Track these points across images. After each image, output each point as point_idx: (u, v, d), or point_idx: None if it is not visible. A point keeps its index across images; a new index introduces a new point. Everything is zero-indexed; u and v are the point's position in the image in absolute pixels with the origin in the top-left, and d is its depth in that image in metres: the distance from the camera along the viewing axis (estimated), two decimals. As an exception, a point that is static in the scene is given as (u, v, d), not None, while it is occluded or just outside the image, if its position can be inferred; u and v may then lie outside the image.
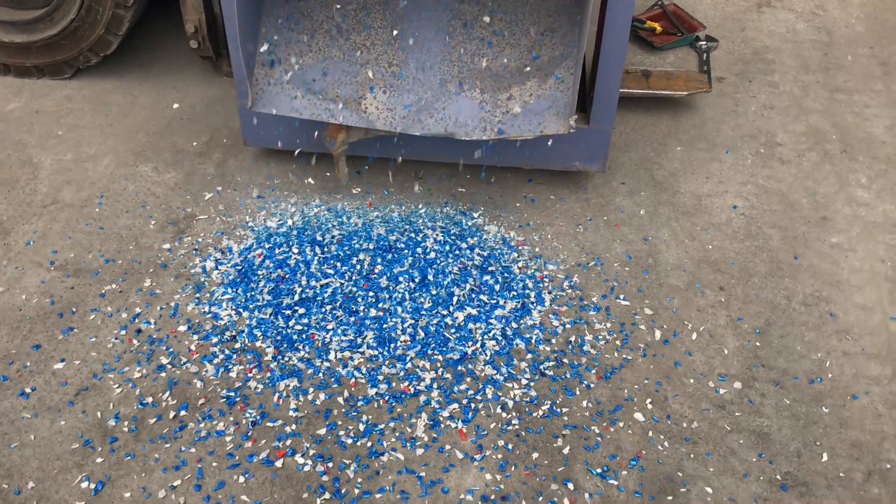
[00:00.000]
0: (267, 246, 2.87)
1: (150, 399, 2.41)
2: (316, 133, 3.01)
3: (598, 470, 2.27)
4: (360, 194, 3.14)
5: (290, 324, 2.61)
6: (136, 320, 2.63)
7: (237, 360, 2.52)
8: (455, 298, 2.69)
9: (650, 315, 2.72)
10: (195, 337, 2.58)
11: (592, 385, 2.49)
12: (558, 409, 2.42)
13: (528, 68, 2.86)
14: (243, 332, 2.59)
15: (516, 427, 2.37)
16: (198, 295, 2.72)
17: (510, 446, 2.32)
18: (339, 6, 2.89)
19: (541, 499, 2.20)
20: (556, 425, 2.38)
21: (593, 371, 2.53)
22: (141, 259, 2.84)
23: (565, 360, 2.55)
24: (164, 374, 2.47)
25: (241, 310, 2.66)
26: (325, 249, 2.86)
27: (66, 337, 2.57)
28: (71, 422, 2.34)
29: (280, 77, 2.85)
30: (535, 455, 2.30)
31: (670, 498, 2.21)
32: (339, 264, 2.80)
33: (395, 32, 2.91)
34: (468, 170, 3.22)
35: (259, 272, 2.77)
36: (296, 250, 2.85)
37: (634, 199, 3.18)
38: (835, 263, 2.94)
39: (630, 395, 2.47)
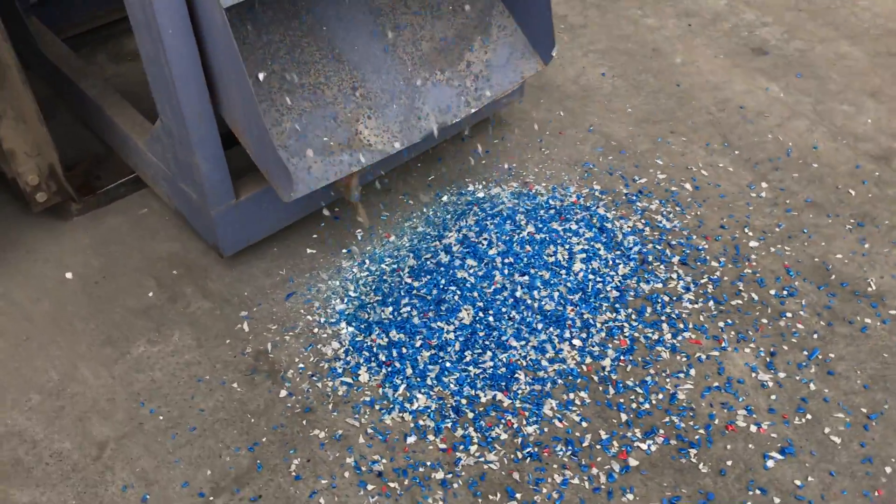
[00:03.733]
0: (373, 324, 2.59)
1: (454, 484, 2.18)
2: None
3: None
4: (367, 235, 2.92)
5: (478, 359, 2.49)
6: (361, 471, 2.25)
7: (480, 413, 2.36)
8: (560, 254, 2.79)
9: (664, 178, 3.15)
10: (431, 437, 2.32)
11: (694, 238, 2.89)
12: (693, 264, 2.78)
13: (465, 30, 2.90)
14: (457, 393, 2.41)
15: (711, 297, 2.67)
16: (378, 405, 2.40)
17: (721, 310, 2.64)
18: (271, 61, 2.57)
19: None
20: (715, 270, 2.74)
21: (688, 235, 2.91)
22: (280, 421, 2.36)
23: (664, 241, 2.88)
24: (447, 475, 2.22)
25: (430, 387, 2.43)
26: (418, 288, 2.68)
27: (327, 536, 2.12)
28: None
29: (288, 155, 2.50)
30: (734, 302, 2.66)
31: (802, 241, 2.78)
32: (447, 289, 2.67)
33: (337, 55, 2.69)
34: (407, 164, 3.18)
35: (401, 348, 2.52)
36: (406, 308, 2.62)
37: (544, 108, 3.48)
38: (685, 75, 3.65)
39: (723, 224, 2.92)
